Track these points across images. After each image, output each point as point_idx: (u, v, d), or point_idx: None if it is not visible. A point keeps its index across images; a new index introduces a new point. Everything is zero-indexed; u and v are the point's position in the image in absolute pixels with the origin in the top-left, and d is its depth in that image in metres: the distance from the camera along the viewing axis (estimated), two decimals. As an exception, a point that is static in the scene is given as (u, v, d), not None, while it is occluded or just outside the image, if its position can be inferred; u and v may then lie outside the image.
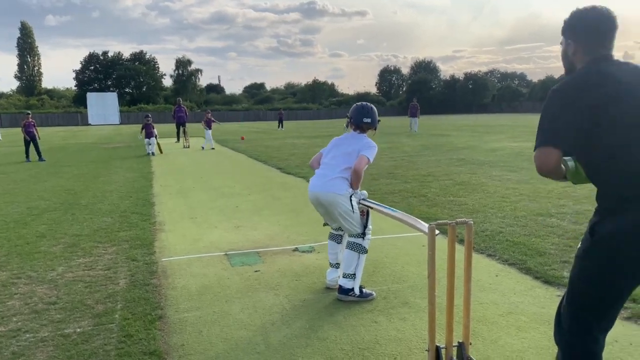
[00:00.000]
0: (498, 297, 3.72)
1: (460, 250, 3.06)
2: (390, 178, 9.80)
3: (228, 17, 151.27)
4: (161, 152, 17.15)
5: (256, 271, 4.45)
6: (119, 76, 79.62)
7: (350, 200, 3.76)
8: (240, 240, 5.49)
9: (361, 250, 3.80)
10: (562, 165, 2.00)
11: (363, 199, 3.86)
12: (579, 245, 2.02)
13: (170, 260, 4.80)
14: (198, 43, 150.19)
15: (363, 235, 3.84)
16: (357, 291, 3.72)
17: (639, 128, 1.83)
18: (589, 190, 7.84)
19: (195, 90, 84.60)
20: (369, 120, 3.91)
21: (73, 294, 3.94)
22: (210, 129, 19.73)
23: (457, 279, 2.73)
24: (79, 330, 3.30)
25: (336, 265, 4.03)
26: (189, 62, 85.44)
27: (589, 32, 2.02)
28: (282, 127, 37.96)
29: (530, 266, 4.29)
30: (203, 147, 18.97)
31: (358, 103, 4.08)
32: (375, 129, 4.02)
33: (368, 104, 4.04)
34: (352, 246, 3.81)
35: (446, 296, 2.74)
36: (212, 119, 20.38)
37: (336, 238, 4.08)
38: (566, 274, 4.08)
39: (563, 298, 2.09)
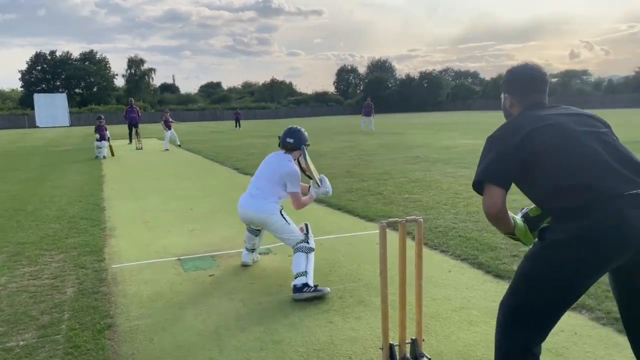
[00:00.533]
0: (451, 293, 3.79)
1: (413, 248, 3.10)
2: (348, 177, 9.85)
3: (182, 16, 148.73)
4: (112, 154, 16.63)
5: (210, 275, 4.37)
6: (68, 76, 76.82)
7: (282, 215, 4.06)
8: (195, 244, 5.38)
9: (308, 250, 3.94)
10: (512, 221, 2.19)
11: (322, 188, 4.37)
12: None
13: (121, 267, 4.65)
14: (151, 42, 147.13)
15: (307, 239, 4.00)
16: (311, 283, 3.75)
17: (564, 150, 1.97)
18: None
19: (149, 90, 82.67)
20: (291, 140, 4.16)
21: (17, 305, 3.76)
22: (169, 129, 19.42)
23: (411, 276, 2.76)
24: (22, 343, 3.15)
25: (251, 249, 4.54)
26: (142, 62, 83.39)
27: (522, 86, 2.26)
28: (239, 126, 37.51)
29: (482, 261, 4.40)
30: (179, 145, 18.83)
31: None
32: (301, 150, 4.21)
33: (296, 127, 4.28)
34: (299, 249, 3.94)
35: (398, 294, 2.76)
36: (171, 119, 20.06)
37: (254, 232, 4.47)
38: (516, 267, 4.19)
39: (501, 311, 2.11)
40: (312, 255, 3.94)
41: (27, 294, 3.98)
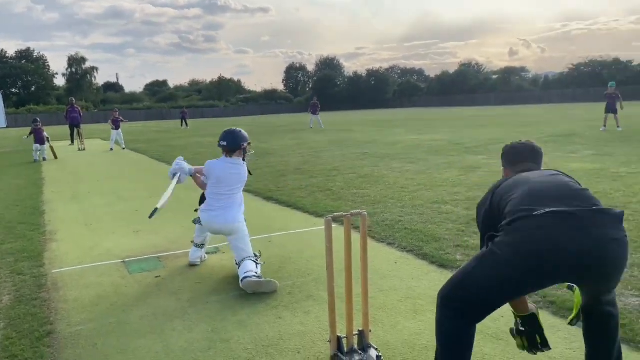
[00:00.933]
0: (397, 283, 3.88)
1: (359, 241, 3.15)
2: (298, 174, 9.87)
3: (125, 13, 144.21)
4: (55, 157, 15.84)
5: (157, 277, 4.28)
6: (4, 75, 72.84)
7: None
8: (140, 246, 5.25)
9: (257, 260, 4.10)
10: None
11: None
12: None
13: (62, 272, 4.48)
14: (93, 39, 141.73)
15: (255, 260, 4.06)
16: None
17: (518, 186, 2.24)
18: (479, 178, 8.38)
19: (91, 89, 79.72)
20: (224, 143, 4.18)
21: (-54, 316, 3.56)
22: (117, 128, 18.84)
23: (358, 269, 2.81)
24: (-47, 356, 2.98)
25: (201, 245, 4.53)
26: (83, 60, 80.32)
27: (517, 160, 2.59)
28: (186, 125, 36.64)
29: (427, 252, 4.52)
30: (124, 148, 18.20)
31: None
32: (234, 151, 4.20)
33: (230, 128, 4.32)
34: (248, 258, 4.04)
35: (345, 286, 2.80)
36: (120, 117, 19.48)
37: (200, 246, 4.59)
38: (459, 257, 4.35)
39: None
40: (260, 267, 4.05)
41: (-42, 304, 3.77)
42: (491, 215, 2.31)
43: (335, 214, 2.88)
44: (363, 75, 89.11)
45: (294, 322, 3.29)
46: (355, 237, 2.88)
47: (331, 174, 9.57)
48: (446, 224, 5.45)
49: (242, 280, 3.78)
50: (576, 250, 1.91)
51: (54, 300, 3.80)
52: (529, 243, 1.98)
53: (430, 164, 10.37)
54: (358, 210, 2.80)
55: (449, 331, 2.19)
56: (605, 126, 16.98)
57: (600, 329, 2.25)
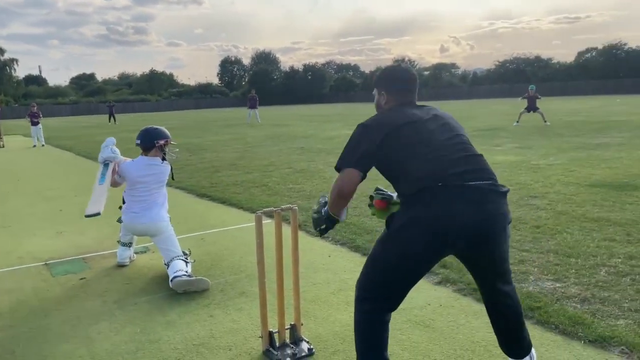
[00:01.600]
0: (330, 276, 3.93)
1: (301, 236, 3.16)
2: (233, 169, 9.76)
3: (46, 2, 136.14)
4: (3, 144, 15.25)
5: (82, 279, 4.10)
6: None
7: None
8: (64, 247, 5.01)
9: (186, 258, 4.00)
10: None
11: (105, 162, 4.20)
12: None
13: (-24, 277, 4.19)
14: (11, 29, 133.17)
15: (184, 258, 3.97)
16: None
17: (417, 146, 2.19)
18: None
19: (11, 83, 74.81)
20: (138, 142, 4.11)
21: None
22: (36, 124, 17.80)
23: (289, 264, 2.82)
24: None
25: (128, 244, 4.40)
26: (2, 51, 75.15)
27: (397, 86, 2.47)
28: (114, 120, 34.90)
29: (359, 244, 4.60)
30: (43, 145, 17.19)
31: None
32: (149, 149, 4.10)
33: (148, 126, 4.24)
34: (177, 257, 3.94)
35: (276, 281, 2.81)
36: (38, 112, 18.37)
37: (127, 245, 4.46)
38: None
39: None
40: (190, 266, 3.95)
41: None
42: (374, 154, 2.21)
43: (265, 209, 2.87)
44: (299, 70, 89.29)
45: (225, 319, 3.25)
46: (287, 232, 2.89)
47: (267, 169, 9.53)
48: (378, 216, 5.57)
49: (171, 280, 3.69)
50: (472, 222, 2.07)
51: (-34, 308, 3.55)
52: (432, 218, 2.07)
53: (365, 158, 10.53)
54: (289, 205, 2.81)
55: (367, 325, 2.24)
56: (518, 121, 17.94)
57: (505, 322, 2.37)
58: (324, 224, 2.45)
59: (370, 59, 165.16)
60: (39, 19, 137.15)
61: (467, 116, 24.82)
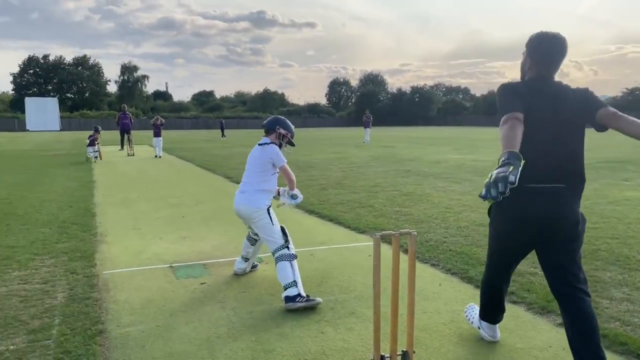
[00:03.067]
0: (441, 306, 3.83)
1: (405, 261, 3.14)
2: (339, 188, 9.90)
3: (176, 24, 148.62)
4: (101, 158, 17.10)
5: (202, 283, 4.38)
6: (60, 81, 76.58)
7: (269, 213, 4.11)
8: (186, 252, 5.39)
9: (290, 257, 3.95)
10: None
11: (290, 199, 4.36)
12: None
13: (112, 273, 4.65)
14: (145, 49, 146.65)
15: (286, 245, 4.02)
16: (303, 293, 3.77)
17: (532, 139, 2.53)
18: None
19: (141, 97, 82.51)
20: (264, 122, 4.34)
21: (7, 309, 3.74)
22: (158, 135, 19.09)
23: (402, 289, 2.80)
24: (12, 347, 3.14)
25: (245, 258, 4.56)
26: (135, 68, 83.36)
27: (543, 57, 2.69)
28: (223, 135, 36.12)
29: (472, 275, 4.44)
30: (160, 156, 18.46)
31: None
32: (284, 135, 4.29)
33: (276, 115, 4.58)
34: (280, 258, 3.95)
35: (390, 306, 2.79)
36: (161, 125, 19.79)
37: (251, 240, 4.52)
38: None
39: None
40: (295, 262, 3.94)
41: (17, 298, 3.96)
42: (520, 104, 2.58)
43: (383, 232, 2.88)
44: (407, 91, 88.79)
45: (336, 337, 3.29)
46: (401, 256, 2.87)
47: (373, 190, 9.56)
48: (491, 247, 5.34)
49: (285, 301, 3.76)
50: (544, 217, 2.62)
51: (104, 301, 3.95)
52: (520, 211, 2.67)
53: (476, 185, 10.20)
54: (407, 230, 2.80)
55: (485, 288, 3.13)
56: None
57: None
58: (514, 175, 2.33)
59: (481, 82, 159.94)
60: (168, 39, 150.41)
61: (591, 146, 23.00)
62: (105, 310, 3.75)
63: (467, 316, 3.44)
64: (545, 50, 2.68)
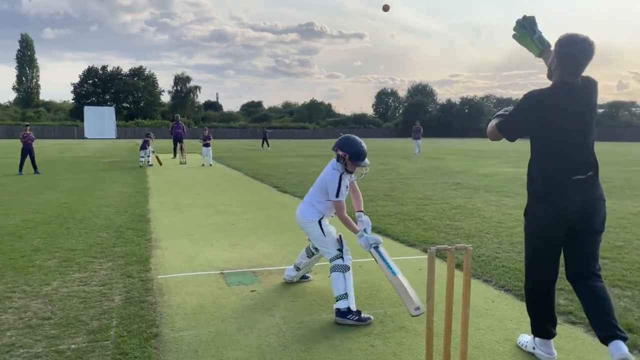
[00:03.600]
0: (495, 323, 3.72)
1: (458, 276, 3.08)
2: (387, 200, 9.83)
3: (227, 36, 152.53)
4: (160, 163, 18.04)
5: (252, 291, 4.43)
6: (117, 91, 79.99)
7: (320, 225, 4.09)
8: (236, 259, 5.47)
9: (344, 269, 3.89)
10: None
11: (374, 246, 3.92)
12: None
13: (166, 278, 4.78)
14: (197, 60, 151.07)
15: (341, 254, 3.97)
16: (353, 308, 3.73)
17: (559, 140, 2.90)
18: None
19: (193, 107, 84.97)
20: (334, 145, 4.13)
21: (68, 309, 3.91)
22: (207, 145, 19.41)
23: (455, 305, 2.75)
24: (73, 346, 3.27)
25: (297, 267, 4.57)
26: (188, 79, 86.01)
27: (569, 60, 2.82)
28: (267, 145, 36.18)
29: (527, 293, 4.29)
30: (210, 164, 18.91)
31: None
32: (341, 157, 4.06)
33: (350, 136, 4.21)
34: (334, 268, 3.92)
35: (444, 321, 2.74)
36: (209, 135, 20.18)
37: (309, 252, 4.51)
38: (562, 301, 4.09)
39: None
40: (349, 274, 3.87)
41: (77, 299, 4.13)
42: (526, 126, 3.06)
43: (439, 246, 2.84)
44: (456, 102, 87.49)
45: (386, 351, 3.25)
46: (454, 271, 2.82)
47: (422, 203, 9.43)
48: (547, 264, 5.16)
49: (335, 314, 3.75)
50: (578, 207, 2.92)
51: (159, 305, 4.06)
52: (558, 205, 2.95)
53: (528, 199, 9.88)
54: (463, 245, 2.75)
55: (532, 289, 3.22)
56: None
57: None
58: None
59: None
60: (219, 51, 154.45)
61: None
62: (159, 314, 3.85)
63: (519, 343, 3.34)
64: (573, 53, 2.77)
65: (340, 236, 4.11)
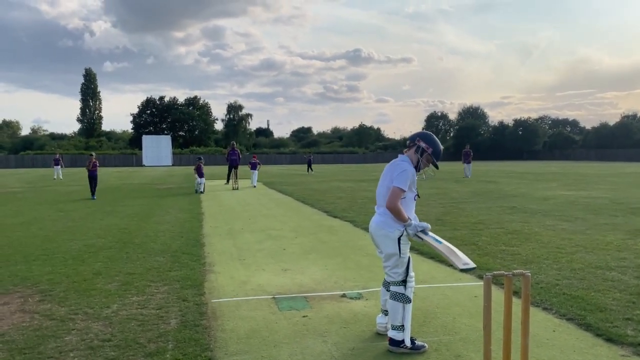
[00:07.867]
0: (557, 354, 3.55)
1: (516, 303, 2.97)
2: (440, 224, 9.64)
3: (277, 64, 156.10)
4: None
5: (304, 316, 4.43)
6: (174, 120, 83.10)
7: (399, 244, 3.72)
8: (288, 284, 5.50)
9: (404, 300, 3.71)
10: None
11: (421, 232, 3.77)
12: None
13: (220, 302, 4.86)
14: (248, 89, 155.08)
15: (404, 283, 3.75)
16: (408, 343, 3.63)
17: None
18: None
19: (245, 134, 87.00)
20: (408, 141, 3.99)
21: (127, 331, 4.04)
22: (255, 169, 22.53)
23: (514, 334, 2.65)
24: (131, 368, 3.36)
25: (385, 312, 4.01)
26: (240, 107, 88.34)
27: None
28: (311, 170, 36.10)
29: (591, 322, 4.08)
30: (254, 186, 21.35)
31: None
32: (423, 149, 3.89)
33: (426, 131, 4.11)
34: (395, 297, 3.75)
35: (502, 351, 2.65)
36: (257, 162, 23.06)
37: (387, 286, 4.00)
38: (630, 332, 3.86)
39: None
40: (409, 307, 3.70)
41: (135, 322, 4.26)
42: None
43: (495, 272, 2.76)
44: (509, 124, 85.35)
45: (442, 381, 3.16)
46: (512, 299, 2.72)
47: (476, 227, 9.19)
48: (612, 292, 4.90)
49: (389, 342, 3.68)
50: None
51: (213, 329, 4.12)
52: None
53: (590, 223, 9.46)
54: (521, 271, 2.66)
55: None
56: None
57: None
58: None
59: (592, 114, 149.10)
60: (269, 79, 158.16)
61: None
62: (213, 338, 3.91)
63: None
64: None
65: (409, 258, 3.84)
